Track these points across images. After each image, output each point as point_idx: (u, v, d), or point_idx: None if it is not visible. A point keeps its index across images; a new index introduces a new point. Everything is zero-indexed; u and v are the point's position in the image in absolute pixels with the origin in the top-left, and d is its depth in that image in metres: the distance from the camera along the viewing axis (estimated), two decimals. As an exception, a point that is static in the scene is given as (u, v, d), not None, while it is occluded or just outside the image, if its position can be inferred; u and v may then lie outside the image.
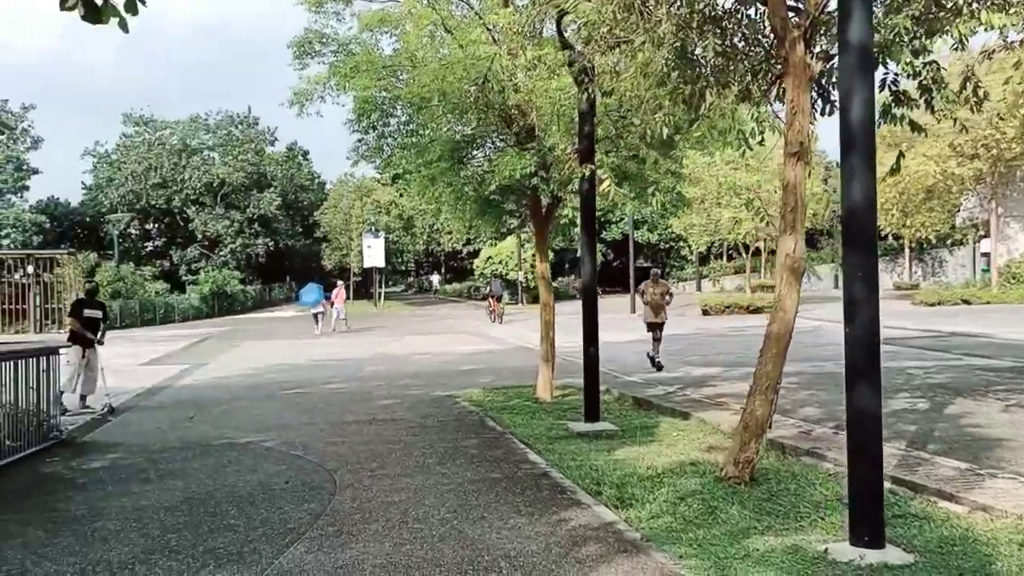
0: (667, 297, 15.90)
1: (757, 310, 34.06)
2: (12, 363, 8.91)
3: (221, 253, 53.64)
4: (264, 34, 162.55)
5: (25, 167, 47.45)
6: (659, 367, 15.33)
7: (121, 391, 15.10)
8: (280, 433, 10.17)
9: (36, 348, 9.49)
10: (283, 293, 59.78)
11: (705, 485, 6.60)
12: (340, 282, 35.16)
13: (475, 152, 12.54)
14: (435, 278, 50.90)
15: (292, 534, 5.76)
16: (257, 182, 55.37)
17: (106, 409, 12.30)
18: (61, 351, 10.11)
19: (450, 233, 57.80)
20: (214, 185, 52.92)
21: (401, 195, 54.34)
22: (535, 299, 49.69)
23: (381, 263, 46.04)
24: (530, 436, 9.44)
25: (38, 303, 36.99)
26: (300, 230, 61.45)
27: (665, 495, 6.38)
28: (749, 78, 7.03)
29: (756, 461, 6.73)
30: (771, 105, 7.32)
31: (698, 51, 7.01)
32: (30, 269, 36.85)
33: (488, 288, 38.89)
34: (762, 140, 7.63)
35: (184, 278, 52.25)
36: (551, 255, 49.03)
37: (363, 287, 62.24)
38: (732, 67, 7.04)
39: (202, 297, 45.99)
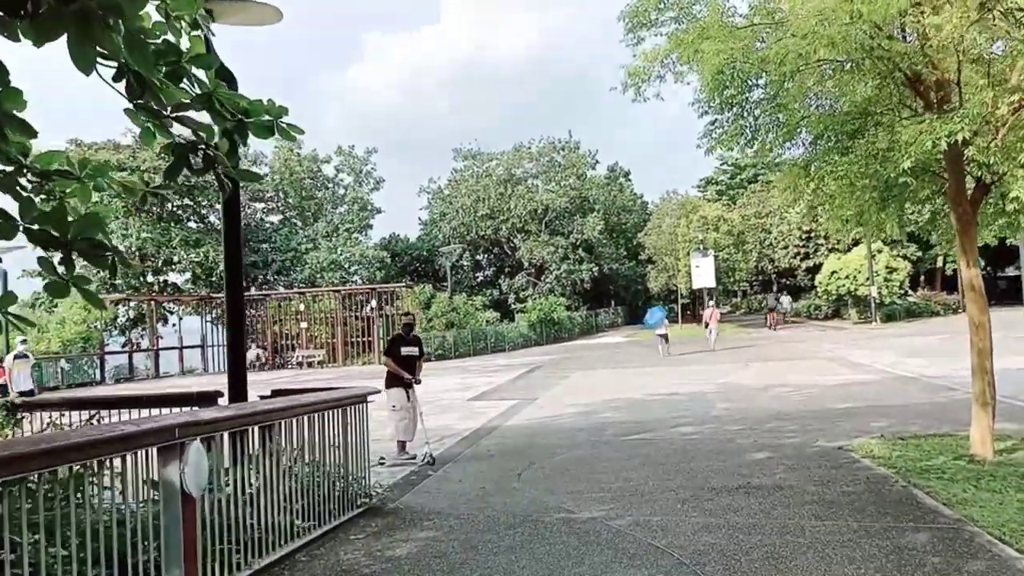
0: None
1: None
2: (317, 416, 7.34)
3: (547, 280, 53.53)
4: (585, 66, 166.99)
5: (369, 207, 50.80)
6: None
7: (447, 432, 13.73)
8: (629, 504, 7.73)
9: (342, 396, 7.90)
10: (608, 319, 58.59)
11: None
12: (712, 303, 36.89)
13: (868, 126, 9.33)
14: (785, 299, 46.00)
15: None
16: (580, 207, 54.72)
17: (427, 459, 10.72)
18: (370, 398, 8.49)
19: (786, 248, 53.08)
20: (538, 212, 53.01)
21: (730, 209, 50.93)
22: (888, 317, 43.72)
23: (711, 283, 42.75)
24: (1007, 527, 6.14)
25: (381, 335, 38.58)
26: (624, 253, 59.95)
27: None
28: None
29: None
30: None
31: None
32: (374, 302, 38.60)
33: (766, 302, 42.13)
34: None
35: (512, 306, 52.78)
36: (906, 263, 42.89)
37: (690, 309, 59.26)
38: None
39: (530, 325, 45.77)
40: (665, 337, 31.09)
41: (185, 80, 4.05)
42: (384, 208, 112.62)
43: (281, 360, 39.89)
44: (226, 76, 8.26)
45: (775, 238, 55.30)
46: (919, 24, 8.32)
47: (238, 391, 8.01)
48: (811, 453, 9.96)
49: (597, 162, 58.07)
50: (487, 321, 44.16)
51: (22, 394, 17.93)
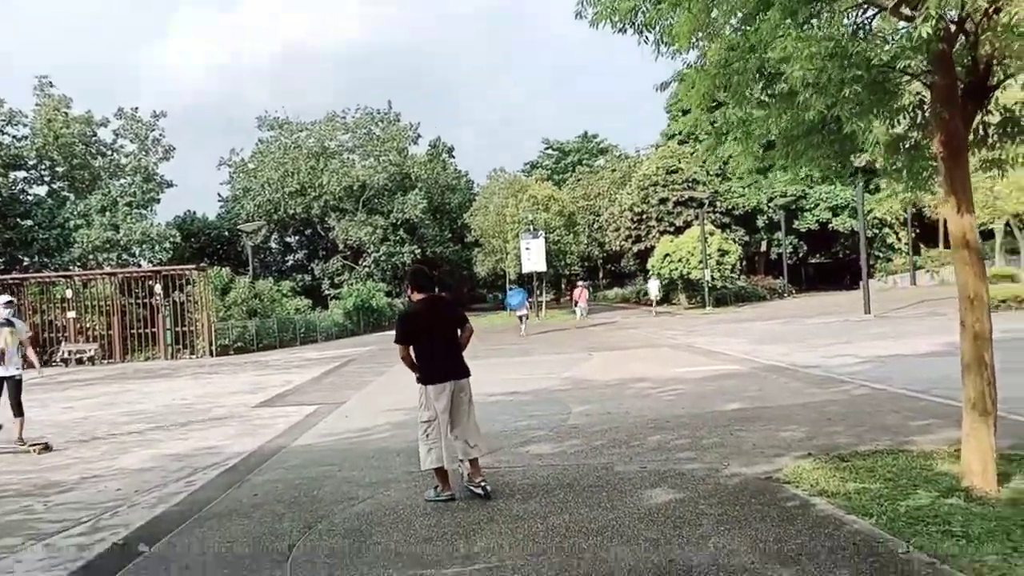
0: None
1: (1044, 304, 26.01)
2: None
3: (364, 263, 49.06)
4: (413, 60, 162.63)
5: (157, 179, 43.96)
6: None
7: (208, 460, 9.71)
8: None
9: None
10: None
11: None
12: (582, 282, 38.89)
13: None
14: (653, 284, 41.97)
15: None
16: (400, 184, 50.43)
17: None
18: None
19: (617, 230, 51.27)
20: (354, 189, 48.29)
21: (559, 187, 48.50)
22: (718, 302, 42.65)
23: (542, 267, 39.81)
24: None
25: (169, 326, 33.17)
26: (448, 235, 56.27)
27: None
28: None
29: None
30: None
31: None
32: (159, 288, 33.09)
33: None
34: None
35: (326, 292, 48.13)
36: (737, 246, 43.01)
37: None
38: None
39: (346, 312, 41.47)
40: (525, 317, 33.04)
41: None
42: (185, 189, 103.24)
43: (44, 356, 33.58)
44: None
45: (605, 220, 53.58)
46: None
47: None
48: (733, 488, 6.77)
49: (419, 135, 54.00)
50: (296, 309, 39.49)
51: None
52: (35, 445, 11.04)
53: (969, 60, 6.36)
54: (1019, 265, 37.35)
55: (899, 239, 48.89)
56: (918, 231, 49.18)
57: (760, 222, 50.43)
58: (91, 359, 32.53)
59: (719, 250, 40.86)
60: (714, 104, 7.39)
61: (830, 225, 48.77)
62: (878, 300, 34.38)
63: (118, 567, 5.73)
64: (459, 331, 7.40)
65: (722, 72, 6.64)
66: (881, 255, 50.45)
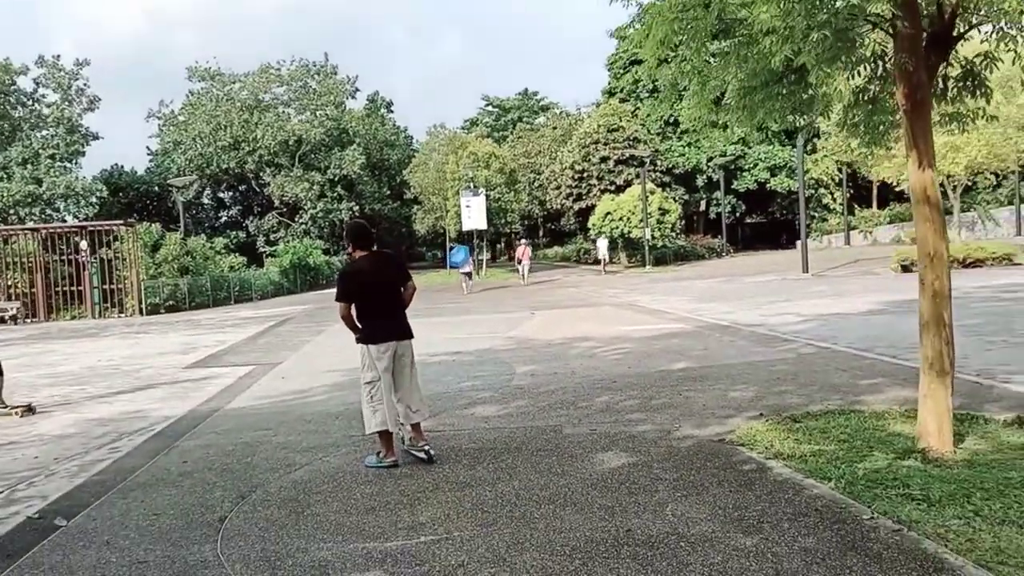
0: None
1: (975, 263, 26.59)
2: None
3: (301, 220, 47.91)
4: (349, 14, 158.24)
5: (81, 130, 41.87)
6: None
7: (134, 425, 9.21)
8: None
9: None
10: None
11: None
12: (524, 240, 37.96)
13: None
14: (602, 243, 40.12)
15: None
16: (338, 139, 49.12)
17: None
18: None
19: (558, 188, 50.91)
20: (290, 144, 46.89)
21: (499, 144, 47.94)
22: (658, 261, 42.81)
23: (483, 225, 39.30)
24: None
25: (96, 284, 31.96)
26: (387, 192, 55.18)
27: None
28: None
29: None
30: None
31: None
32: (85, 244, 31.80)
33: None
34: None
35: (262, 250, 46.90)
36: (677, 205, 42.80)
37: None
38: None
39: (282, 271, 40.54)
40: (469, 275, 33.11)
41: None
42: (112, 142, 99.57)
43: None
44: None
45: (546, 178, 53.21)
46: None
47: None
48: (686, 451, 6.56)
49: (357, 90, 52.51)
50: (231, 267, 38.44)
51: None
52: (16, 407, 10.32)
53: (934, 8, 6.15)
54: (950, 225, 38.26)
55: (834, 199, 49.70)
56: (852, 192, 49.97)
57: (700, 181, 50.71)
58: (13, 318, 31.22)
59: (659, 209, 40.91)
60: (664, 59, 7.08)
61: (768, 185, 49.24)
62: (814, 259, 34.85)
63: (32, 543, 5.28)
64: (402, 289, 7.02)
65: (680, 16, 6.30)
66: (817, 215, 51.18)
